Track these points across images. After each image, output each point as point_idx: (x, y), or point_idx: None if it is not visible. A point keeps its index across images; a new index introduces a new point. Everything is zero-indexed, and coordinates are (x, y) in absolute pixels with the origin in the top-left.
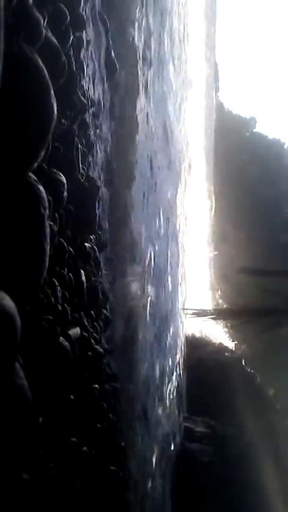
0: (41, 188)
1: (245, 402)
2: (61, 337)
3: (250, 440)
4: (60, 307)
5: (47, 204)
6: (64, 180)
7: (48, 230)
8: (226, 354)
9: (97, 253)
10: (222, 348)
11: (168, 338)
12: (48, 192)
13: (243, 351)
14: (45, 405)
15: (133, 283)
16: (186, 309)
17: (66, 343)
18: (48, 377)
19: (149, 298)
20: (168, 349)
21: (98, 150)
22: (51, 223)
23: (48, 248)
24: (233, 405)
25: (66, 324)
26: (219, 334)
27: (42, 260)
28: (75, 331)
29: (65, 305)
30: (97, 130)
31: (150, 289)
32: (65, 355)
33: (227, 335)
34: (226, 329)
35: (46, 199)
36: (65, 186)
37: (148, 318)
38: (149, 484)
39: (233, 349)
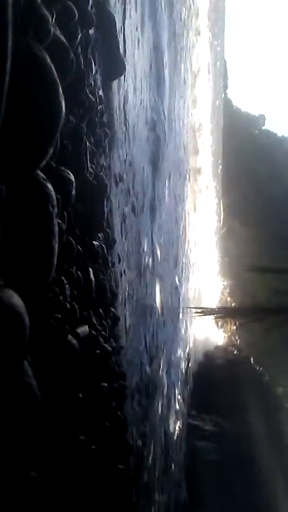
0: (49, 186)
1: (253, 400)
2: (69, 335)
3: (258, 438)
4: (68, 305)
5: (55, 202)
6: (73, 178)
7: (56, 228)
8: (235, 352)
9: (106, 252)
10: (230, 346)
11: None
12: (57, 190)
13: (250, 349)
14: (54, 403)
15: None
16: (194, 307)
17: (75, 341)
18: (56, 375)
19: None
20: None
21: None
22: (60, 221)
23: (56, 246)
24: (241, 403)
25: (74, 322)
26: (227, 332)
27: (50, 258)
28: (83, 329)
29: (74, 303)
30: (106, 129)
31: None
32: (73, 353)
33: (235, 333)
34: (234, 327)
35: (54, 197)
36: (74, 184)
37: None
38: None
39: (241, 347)
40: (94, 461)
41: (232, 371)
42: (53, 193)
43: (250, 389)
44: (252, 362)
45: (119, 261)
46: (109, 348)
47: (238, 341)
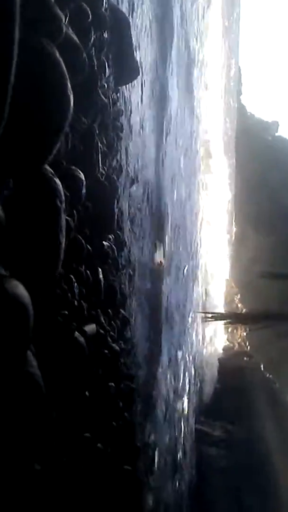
0: (57, 181)
1: (263, 407)
2: (76, 332)
3: (268, 446)
4: (76, 303)
5: (63, 198)
6: (83, 177)
7: (64, 223)
8: (245, 358)
9: (116, 253)
10: (240, 352)
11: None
12: (66, 187)
13: (261, 356)
14: (59, 398)
15: None
16: (204, 312)
17: (82, 339)
18: (62, 370)
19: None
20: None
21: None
22: (68, 218)
23: (63, 241)
24: (250, 410)
25: (82, 320)
26: (237, 338)
27: (57, 252)
28: (91, 327)
29: (82, 301)
30: (118, 132)
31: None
32: (80, 350)
33: (245, 339)
34: (244, 333)
35: (62, 193)
36: (84, 183)
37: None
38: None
39: (251, 353)
40: (99, 459)
41: (242, 378)
42: (61, 188)
43: (260, 396)
44: (262, 369)
45: (129, 263)
46: (117, 349)
47: (248, 347)
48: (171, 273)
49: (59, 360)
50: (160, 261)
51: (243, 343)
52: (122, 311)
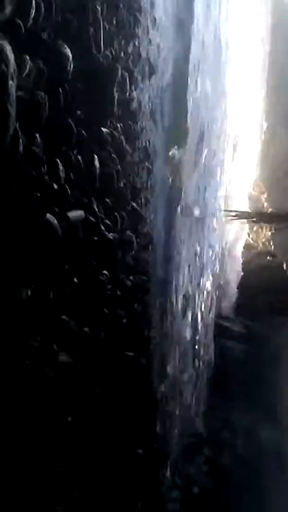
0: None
1: (283, 306)
2: (48, 215)
3: (286, 341)
4: (57, 187)
5: (11, 61)
6: (69, 54)
7: (13, 90)
8: (268, 258)
9: (124, 142)
10: (264, 252)
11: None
12: (45, 63)
13: (284, 256)
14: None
15: None
16: (228, 210)
17: (55, 222)
18: (34, 249)
19: None
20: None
21: None
22: (43, 94)
23: (13, 111)
24: (271, 309)
25: (64, 205)
26: (261, 237)
27: (4, 123)
28: (76, 213)
29: (66, 185)
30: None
31: None
32: (51, 232)
33: (270, 239)
34: (269, 233)
35: (9, 56)
36: (70, 59)
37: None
38: None
39: (275, 253)
40: (88, 345)
41: (264, 277)
42: (7, 50)
43: (281, 295)
44: (285, 268)
45: (147, 157)
46: (111, 237)
47: (272, 247)
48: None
49: (30, 240)
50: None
51: (267, 243)
52: (133, 203)
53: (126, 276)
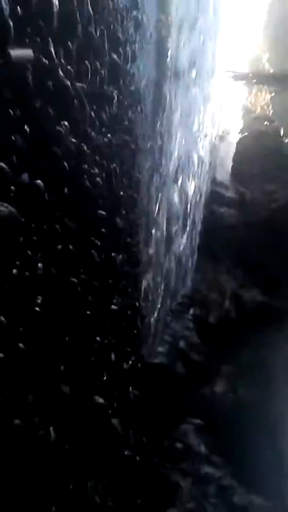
0: None
1: (276, 173)
2: None
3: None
4: None
5: None
6: None
7: None
8: (266, 123)
9: None
10: (262, 117)
11: None
12: None
13: (282, 122)
14: None
15: None
16: (227, 71)
17: None
18: None
19: None
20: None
21: None
22: None
23: None
24: (264, 175)
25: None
26: (260, 101)
27: None
28: (22, 52)
29: (10, 20)
30: None
31: None
32: None
33: (269, 103)
34: (268, 96)
35: None
36: None
37: None
38: None
39: (273, 119)
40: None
41: (260, 143)
42: None
43: (275, 163)
44: (281, 134)
45: None
46: (75, 86)
47: (271, 112)
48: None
49: None
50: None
51: (266, 107)
52: (114, 55)
53: (99, 132)
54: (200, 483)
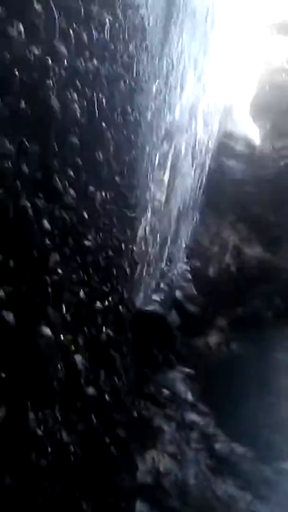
0: None
1: None
2: None
3: None
4: None
5: None
6: None
7: None
8: (283, 75)
9: None
10: (280, 69)
11: None
12: None
13: None
14: None
15: None
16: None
17: None
18: None
19: None
20: None
21: None
22: None
23: None
24: (278, 131)
25: None
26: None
27: None
28: None
29: None
30: None
31: None
32: None
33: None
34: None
35: None
36: None
37: None
38: None
39: None
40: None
41: (277, 96)
42: None
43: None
44: None
45: None
46: None
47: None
48: None
49: None
50: None
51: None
52: None
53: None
54: (183, 428)
